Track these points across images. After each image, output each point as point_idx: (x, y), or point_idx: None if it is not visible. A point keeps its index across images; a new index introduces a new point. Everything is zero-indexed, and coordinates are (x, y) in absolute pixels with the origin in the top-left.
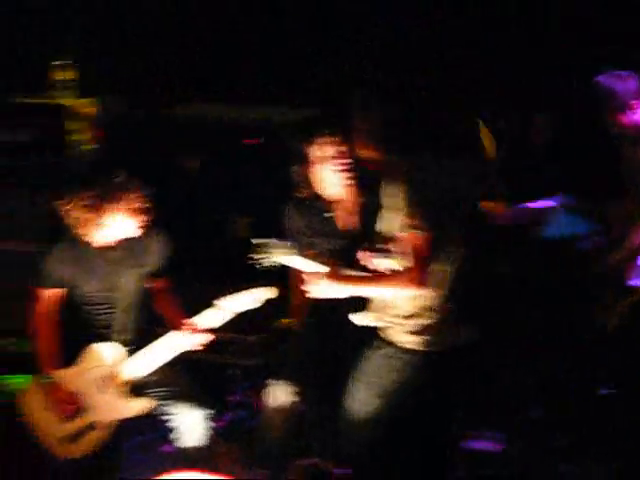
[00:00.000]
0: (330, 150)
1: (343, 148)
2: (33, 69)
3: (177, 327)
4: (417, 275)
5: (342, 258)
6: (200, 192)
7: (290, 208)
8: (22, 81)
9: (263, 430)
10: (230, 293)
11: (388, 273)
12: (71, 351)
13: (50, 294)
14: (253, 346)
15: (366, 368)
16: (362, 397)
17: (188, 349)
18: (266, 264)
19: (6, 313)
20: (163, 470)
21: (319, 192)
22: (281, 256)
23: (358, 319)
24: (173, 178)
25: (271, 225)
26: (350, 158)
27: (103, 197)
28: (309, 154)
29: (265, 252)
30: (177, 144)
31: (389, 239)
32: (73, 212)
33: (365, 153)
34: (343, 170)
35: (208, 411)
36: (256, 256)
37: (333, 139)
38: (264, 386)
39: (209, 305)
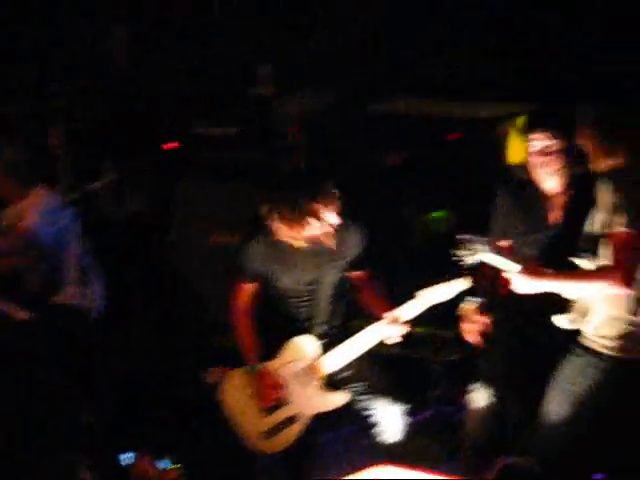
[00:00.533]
0: (540, 145)
1: (555, 144)
2: (235, 63)
3: (379, 318)
4: (622, 274)
5: (545, 252)
6: (402, 186)
7: (503, 192)
8: (226, 75)
9: (465, 427)
10: (430, 284)
11: (589, 271)
12: (273, 344)
13: (249, 287)
14: (451, 341)
15: (562, 374)
16: (556, 403)
17: (388, 342)
18: (469, 262)
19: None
20: (361, 464)
21: (538, 183)
22: (482, 253)
23: (561, 322)
24: (374, 172)
25: (474, 220)
26: (566, 154)
27: (310, 211)
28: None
29: (468, 249)
30: (378, 139)
31: (597, 239)
32: (278, 221)
33: (588, 149)
34: (553, 166)
35: (407, 406)
36: (459, 253)
37: (545, 135)
38: (465, 382)
39: (410, 296)
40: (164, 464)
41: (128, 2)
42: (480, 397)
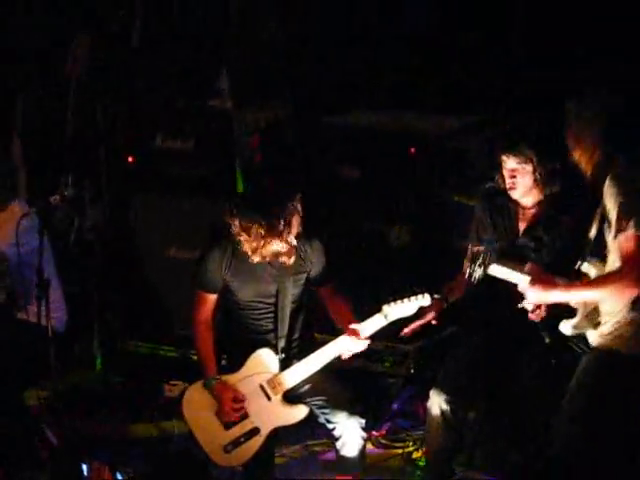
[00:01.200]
0: (509, 166)
1: (524, 168)
2: (198, 75)
3: (344, 331)
4: (636, 276)
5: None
6: (361, 200)
7: (480, 198)
8: (186, 87)
9: (425, 439)
10: (393, 299)
11: (599, 277)
12: (234, 356)
13: (209, 298)
14: (410, 355)
15: (580, 376)
16: (574, 405)
17: (346, 355)
18: (478, 275)
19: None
20: (322, 478)
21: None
22: (492, 267)
23: (566, 328)
24: (333, 186)
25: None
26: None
27: (279, 227)
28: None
29: (479, 262)
30: (338, 152)
31: (604, 243)
32: (247, 236)
33: (578, 154)
34: (520, 188)
35: (366, 420)
36: (470, 267)
37: (515, 157)
38: (425, 395)
39: (375, 310)
40: (120, 476)
41: (87, 13)
42: (435, 403)
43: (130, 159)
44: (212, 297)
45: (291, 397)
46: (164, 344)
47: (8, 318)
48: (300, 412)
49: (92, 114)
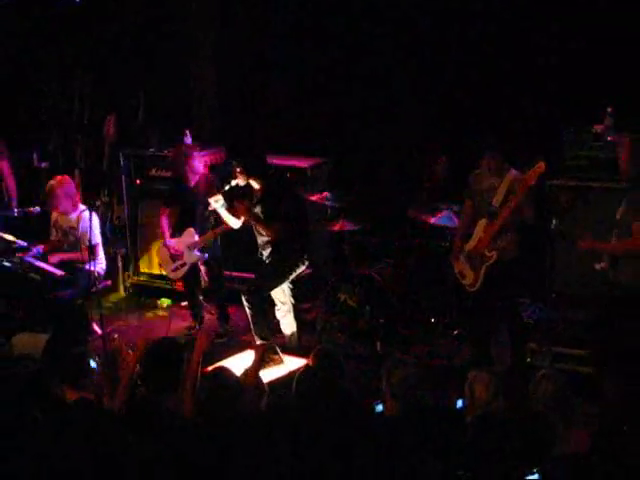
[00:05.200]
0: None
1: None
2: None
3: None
4: None
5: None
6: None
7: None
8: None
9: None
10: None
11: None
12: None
13: (166, 211)
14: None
15: None
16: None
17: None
18: None
19: None
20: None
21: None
22: None
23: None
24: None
25: None
26: None
27: None
28: None
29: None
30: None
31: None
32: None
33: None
34: None
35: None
36: None
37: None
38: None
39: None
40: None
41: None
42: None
43: (138, 181)
44: (168, 210)
45: (200, 250)
46: None
47: None
48: (203, 256)
49: (117, 161)
